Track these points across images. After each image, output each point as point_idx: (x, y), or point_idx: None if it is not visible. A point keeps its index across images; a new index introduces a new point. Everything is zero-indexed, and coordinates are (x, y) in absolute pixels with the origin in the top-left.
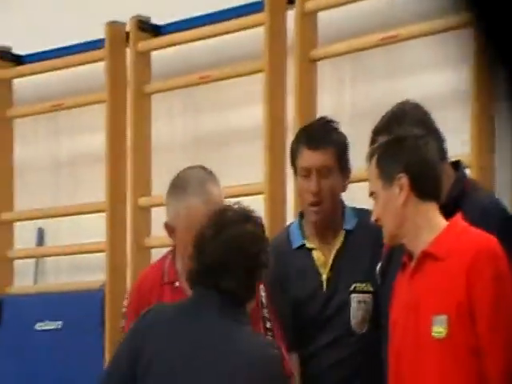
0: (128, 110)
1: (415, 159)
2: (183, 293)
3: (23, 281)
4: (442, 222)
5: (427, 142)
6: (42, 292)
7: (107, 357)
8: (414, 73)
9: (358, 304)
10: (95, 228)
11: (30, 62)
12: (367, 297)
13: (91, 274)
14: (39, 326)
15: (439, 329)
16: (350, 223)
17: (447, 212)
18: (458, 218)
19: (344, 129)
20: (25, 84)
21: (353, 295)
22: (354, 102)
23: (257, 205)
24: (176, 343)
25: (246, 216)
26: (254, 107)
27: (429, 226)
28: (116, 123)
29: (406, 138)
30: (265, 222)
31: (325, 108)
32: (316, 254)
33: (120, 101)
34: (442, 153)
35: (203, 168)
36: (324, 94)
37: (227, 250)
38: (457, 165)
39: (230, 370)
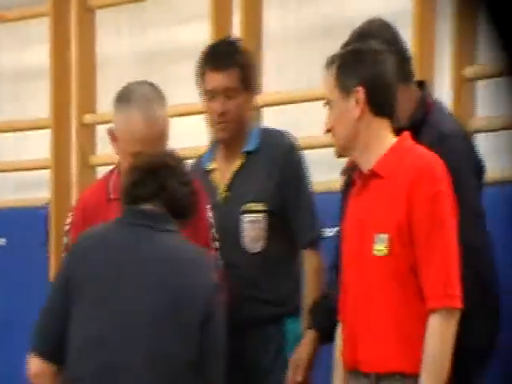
0: (72, 23)
1: (373, 73)
2: None
3: None
4: (390, 141)
5: (386, 58)
6: None
7: (51, 274)
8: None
9: (249, 224)
10: (40, 145)
11: None
12: (260, 216)
13: (36, 191)
14: None
15: (380, 247)
16: (252, 144)
17: (411, 134)
18: (405, 137)
19: (289, 48)
20: None
21: (245, 215)
22: (299, 20)
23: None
24: (105, 265)
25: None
26: (202, 24)
27: (378, 143)
28: (60, 37)
29: (366, 52)
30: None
31: (270, 25)
32: (214, 175)
33: (64, 14)
34: (407, 73)
35: (152, 85)
36: (270, 10)
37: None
38: (421, 85)
39: (160, 277)
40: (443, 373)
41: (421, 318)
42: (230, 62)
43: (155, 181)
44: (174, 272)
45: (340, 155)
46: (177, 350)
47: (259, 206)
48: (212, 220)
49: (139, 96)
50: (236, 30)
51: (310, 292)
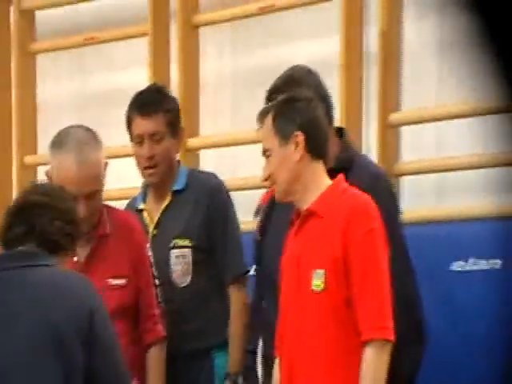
0: (13, 68)
1: (309, 119)
2: None
3: None
4: (326, 182)
5: (317, 105)
6: None
7: None
8: (289, 41)
9: (176, 259)
10: None
11: None
12: (186, 251)
13: None
14: None
15: (317, 282)
16: (179, 184)
17: (334, 175)
18: (340, 179)
19: (225, 93)
20: None
21: (172, 251)
22: (234, 67)
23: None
24: None
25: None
26: (140, 69)
27: (315, 185)
28: (0, 81)
29: (299, 99)
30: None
31: (207, 73)
32: (144, 215)
33: (4, 58)
34: (330, 118)
35: (87, 129)
36: (206, 59)
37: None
38: (340, 131)
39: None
40: None
41: (356, 352)
42: (155, 108)
43: (23, 221)
44: (52, 298)
45: (282, 199)
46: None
47: (185, 242)
48: (151, 258)
49: (72, 140)
50: (174, 76)
51: (233, 328)
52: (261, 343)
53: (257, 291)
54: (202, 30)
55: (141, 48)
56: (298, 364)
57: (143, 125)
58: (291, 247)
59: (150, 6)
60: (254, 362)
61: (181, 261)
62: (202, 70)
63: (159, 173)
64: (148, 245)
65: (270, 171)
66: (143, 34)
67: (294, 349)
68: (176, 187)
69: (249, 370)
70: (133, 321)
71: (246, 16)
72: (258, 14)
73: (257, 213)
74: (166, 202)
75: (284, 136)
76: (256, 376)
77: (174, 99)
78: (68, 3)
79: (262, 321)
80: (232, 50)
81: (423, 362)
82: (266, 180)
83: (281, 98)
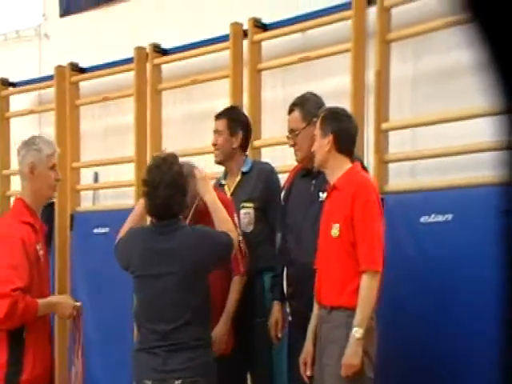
0: (148, 97)
1: (340, 127)
2: None
3: None
4: (347, 167)
5: (350, 119)
6: (97, 210)
7: None
8: (323, 78)
9: (243, 214)
10: (129, 171)
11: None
12: (249, 210)
13: (127, 199)
14: (95, 231)
15: (335, 231)
16: (246, 167)
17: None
18: (356, 165)
19: (279, 114)
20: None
21: (241, 210)
22: (285, 96)
23: None
24: (145, 257)
25: (171, 161)
26: (224, 100)
27: (339, 168)
28: (140, 107)
29: (338, 112)
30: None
31: (266, 101)
32: (225, 188)
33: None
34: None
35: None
36: (265, 92)
37: (169, 190)
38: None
39: (179, 258)
40: (369, 311)
41: (356, 276)
42: (221, 115)
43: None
44: (184, 249)
45: (317, 168)
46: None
47: (250, 204)
48: (237, 223)
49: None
50: (245, 102)
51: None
52: (285, 270)
53: (282, 237)
54: (263, 74)
55: (222, 85)
56: (323, 279)
57: (215, 124)
58: (324, 209)
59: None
60: (282, 281)
61: (247, 216)
62: (263, 99)
63: (218, 154)
64: (235, 213)
65: (314, 149)
66: (225, 76)
67: (322, 269)
68: (244, 169)
69: (279, 285)
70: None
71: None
72: (299, 62)
73: (283, 187)
74: (238, 179)
75: (323, 133)
76: (283, 288)
77: (241, 114)
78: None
79: (285, 256)
80: (282, 85)
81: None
82: (313, 152)
83: (330, 107)
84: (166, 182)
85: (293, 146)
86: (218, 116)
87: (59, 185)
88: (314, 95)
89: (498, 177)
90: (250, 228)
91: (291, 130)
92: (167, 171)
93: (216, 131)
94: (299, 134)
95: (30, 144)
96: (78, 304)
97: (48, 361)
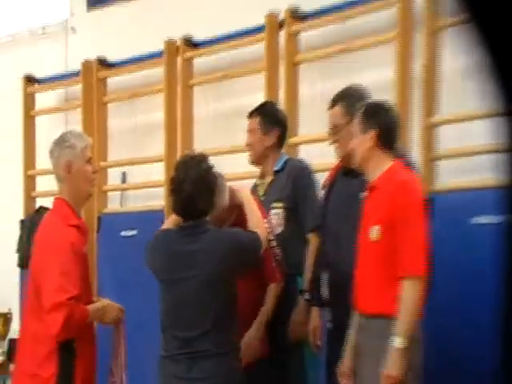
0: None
1: (383, 122)
2: None
3: None
4: (389, 164)
5: (394, 114)
6: (125, 212)
7: None
8: (360, 72)
9: (273, 215)
10: (158, 171)
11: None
12: (279, 211)
13: (156, 200)
14: (122, 233)
15: (373, 234)
16: (278, 166)
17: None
18: (397, 163)
19: (316, 110)
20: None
21: (271, 211)
22: (323, 92)
23: None
24: (168, 259)
25: (199, 158)
26: (259, 95)
27: (379, 167)
28: (170, 104)
29: (382, 107)
30: None
31: (304, 96)
32: (258, 188)
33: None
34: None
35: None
36: (303, 88)
37: (196, 186)
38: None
39: (201, 261)
40: (411, 320)
41: (397, 282)
42: (253, 113)
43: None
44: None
45: (358, 168)
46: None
47: (279, 204)
48: (269, 228)
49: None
50: (281, 97)
51: (309, 261)
52: (325, 273)
53: (321, 239)
54: (300, 67)
55: (257, 80)
56: (362, 288)
57: (248, 122)
58: (364, 210)
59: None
60: (319, 286)
61: (275, 216)
62: (300, 91)
63: (252, 154)
64: (266, 219)
65: (353, 146)
66: (259, 70)
67: (360, 279)
68: (276, 168)
69: (316, 290)
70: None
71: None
72: (339, 53)
73: (323, 186)
74: (270, 179)
75: (364, 128)
76: (320, 294)
77: (275, 110)
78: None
79: (323, 260)
80: (321, 79)
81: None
82: (351, 151)
83: (371, 101)
84: (191, 178)
85: (334, 143)
86: (251, 114)
87: (97, 179)
88: (358, 88)
89: None
90: (280, 229)
91: (333, 126)
92: (194, 167)
93: (249, 130)
94: (341, 131)
95: (61, 142)
96: (123, 308)
97: (94, 371)
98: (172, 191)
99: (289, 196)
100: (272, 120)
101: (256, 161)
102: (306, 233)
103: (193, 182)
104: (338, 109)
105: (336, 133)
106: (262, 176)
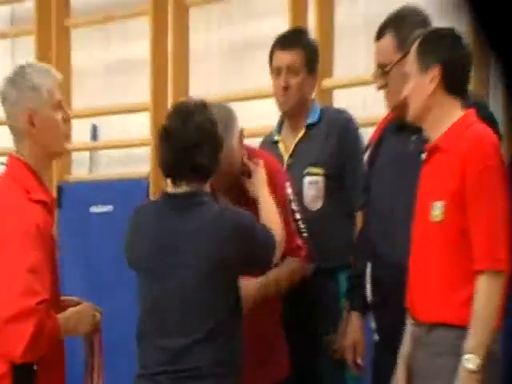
0: (169, 20)
1: (450, 55)
2: None
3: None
4: (457, 116)
5: (464, 43)
6: (96, 180)
7: None
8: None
9: (309, 185)
10: (141, 125)
11: None
12: (318, 178)
13: (138, 165)
14: (93, 209)
15: (437, 213)
16: (313, 118)
17: None
18: (469, 113)
19: (358, 37)
20: None
21: (305, 178)
22: (366, 15)
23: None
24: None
25: (202, 105)
26: (281, 17)
27: (446, 119)
28: (158, 33)
29: (446, 34)
30: None
31: (341, 18)
32: (280, 145)
33: (162, 13)
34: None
35: (219, 108)
36: (340, 5)
37: (195, 136)
38: None
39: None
40: (488, 331)
41: (469, 279)
42: (294, 43)
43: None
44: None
45: (412, 122)
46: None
47: (318, 170)
48: (291, 196)
49: None
50: (311, 23)
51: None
52: (369, 266)
53: (365, 221)
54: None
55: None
56: (419, 286)
57: (282, 57)
58: (421, 180)
59: None
60: (363, 284)
61: (314, 186)
62: (336, 15)
63: (290, 102)
64: (288, 183)
65: (407, 93)
66: None
67: (416, 273)
68: (310, 121)
69: (360, 289)
70: None
71: None
72: None
73: (367, 147)
74: (301, 134)
75: (423, 65)
76: (365, 295)
77: (312, 40)
78: None
79: (368, 250)
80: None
81: None
82: (404, 99)
83: (431, 28)
84: (190, 126)
85: (382, 87)
86: (288, 44)
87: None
88: (416, 10)
89: None
90: (319, 204)
91: (380, 65)
92: (194, 114)
93: (287, 67)
94: (392, 70)
95: (19, 81)
96: (99, 309)
97: None
98: (160, 140)
99: (331, 159)
100: (316, 56)
101: (292, 109)
102: (355, 210)
103: (192, 130)
104: (388, 40)
105: (385, 74)
106: (289, 129)
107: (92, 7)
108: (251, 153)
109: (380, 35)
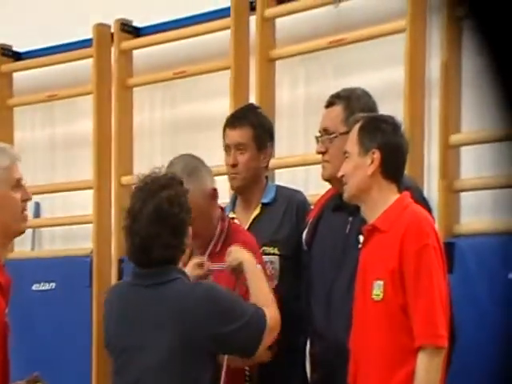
0: (113, 100)
1: (390, 142)
2: None
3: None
4: (394, 198)
5: (402, 132)
6: (38, 257)
7: (94, 312)
8: (358, 71)
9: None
10: (84, 201)
11: (28, 58)
12: (273, 258)
13: (81, 242)
14: (35, 287)
15: (377, 292)
16: (267, 197)
17: None
18: (404, 195)
19: (298, 120)
20: (23, 77)
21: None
22: (307, 97)
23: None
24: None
25: (163, 182)
26: (223, 99)
27: (382, 201)
28: (102, 112)
29: (387, 122)
30: None
31: (282, 102)
32: (236, 222)
33: (106, 93)
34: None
35: (187, 161)
36: (282, 90)
37: (151, 225)
38: None
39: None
40: None
41: (410, 356)
42: (242, 120)
43: (158, 249)
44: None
45: (348, 201)
46: None
47: (274, 250)
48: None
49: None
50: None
51: None
52: (308, 343)
53: (304, 296)
54: (278, 63)
55: (224, 80)
56: (361, 364)
57: (230, 135)
58: (361, 260)
59: (231, 43)
60: (304, 362)
61: (268, 267)
62: (277, 99)
63: (240, 178)
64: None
65: (345, 172)
66: (225, 68)
67: (358, 351)
68: (265, 200)
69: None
70: None
71: (318, 50)
72: (329, 48)
73: (305, 226)
74: (256, 213)
75: (364, 148)
76: (305, 372)
77: (263, 116)
78: (160, 43)
79: (308, 323)
80: (305, 81)
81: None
82: (341, 177)
83: (372, 114)
84: (146, 213)
85: (322, 153)
86: (237, 122)
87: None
88: (367, 93)
89: None
90: (273, 283)
91: (325, 130)
92: (153, 195)
93: (235, 145)
94: (335, 139)
95: None
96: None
97: None
98: (124, 230)
99: (288, 239)
100: (266, 132)
101: (243, 187)
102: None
103: (147, 220)
104: (338, 109)
105: (328, 140)
106: (242, 206)
107: (36, 87)
108: (233, 232)
109: (332, 103)
